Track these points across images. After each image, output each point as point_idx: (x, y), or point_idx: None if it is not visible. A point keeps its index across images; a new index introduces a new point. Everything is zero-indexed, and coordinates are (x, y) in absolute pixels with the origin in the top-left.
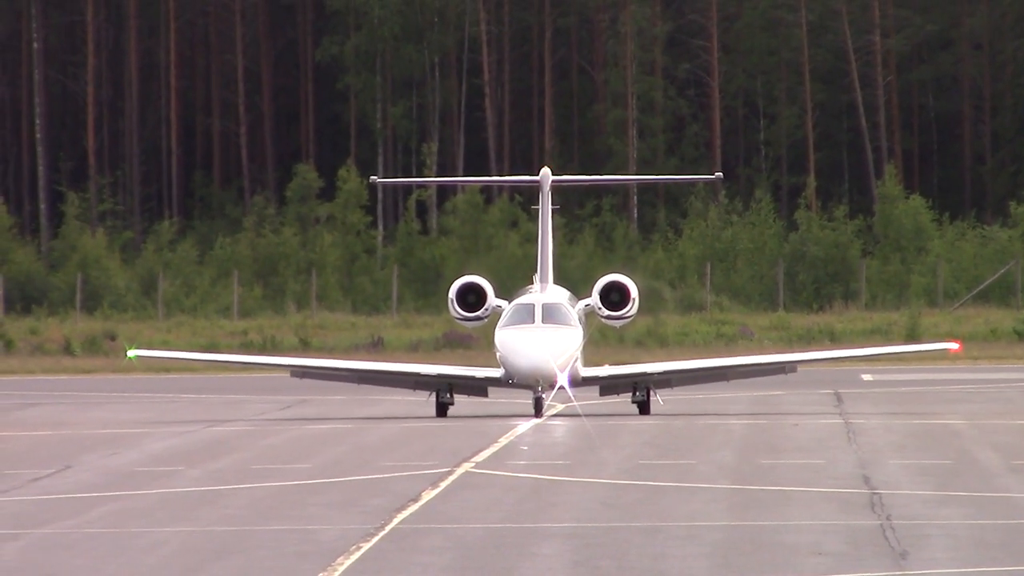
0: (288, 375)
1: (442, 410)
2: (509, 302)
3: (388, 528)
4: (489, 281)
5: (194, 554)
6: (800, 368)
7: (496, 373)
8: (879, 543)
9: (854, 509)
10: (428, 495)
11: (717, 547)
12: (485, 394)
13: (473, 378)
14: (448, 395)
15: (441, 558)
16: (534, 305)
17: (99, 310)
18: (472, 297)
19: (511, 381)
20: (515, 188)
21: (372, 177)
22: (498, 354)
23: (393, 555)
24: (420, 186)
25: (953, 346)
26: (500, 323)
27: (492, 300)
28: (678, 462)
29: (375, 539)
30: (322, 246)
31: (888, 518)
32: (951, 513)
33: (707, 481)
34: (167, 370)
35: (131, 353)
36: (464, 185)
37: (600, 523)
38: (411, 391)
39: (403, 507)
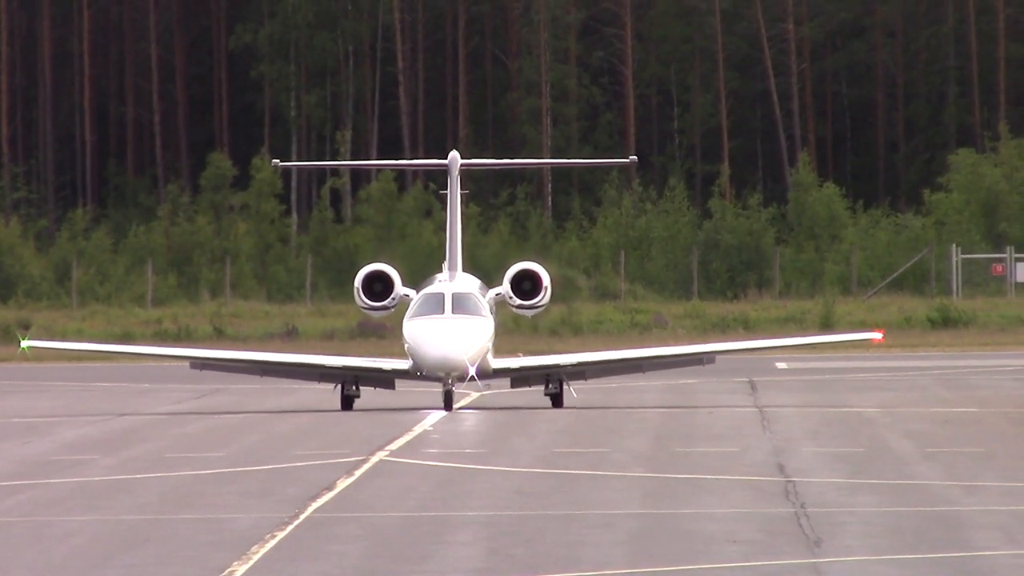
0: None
1: (347, 403)
2: (417, 291)
3: (303, 517)
4: (401, 270)
5: (107, 543)
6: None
7: (404, 365)
8: (793, 531)
9: (768, 497)
10: (343, 483)
11: (632, 535)
12: (392, 386)
13: (380, 370)
14: (354, 387)
15: (356, 546)
16: (443, 295)
17: (13, 299)
18: (379, 286)
19: (420, 373)
20: (429, 176)
21: (274, 161)
22: (406, 345)
23: (308, 543)
24: (332, 173)
25: (877, 336)
26: (408, 313)
27: (399, 289)
28: (592, 450)
29: (290, 528)
30: (236, 234)
31: (802, 506)
32: (865, 500)
33: (622, 469)
34: (80, 359)
35: (24, 344)
36: (375, 171)
37: (515, 511)
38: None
39: (318, 495)
